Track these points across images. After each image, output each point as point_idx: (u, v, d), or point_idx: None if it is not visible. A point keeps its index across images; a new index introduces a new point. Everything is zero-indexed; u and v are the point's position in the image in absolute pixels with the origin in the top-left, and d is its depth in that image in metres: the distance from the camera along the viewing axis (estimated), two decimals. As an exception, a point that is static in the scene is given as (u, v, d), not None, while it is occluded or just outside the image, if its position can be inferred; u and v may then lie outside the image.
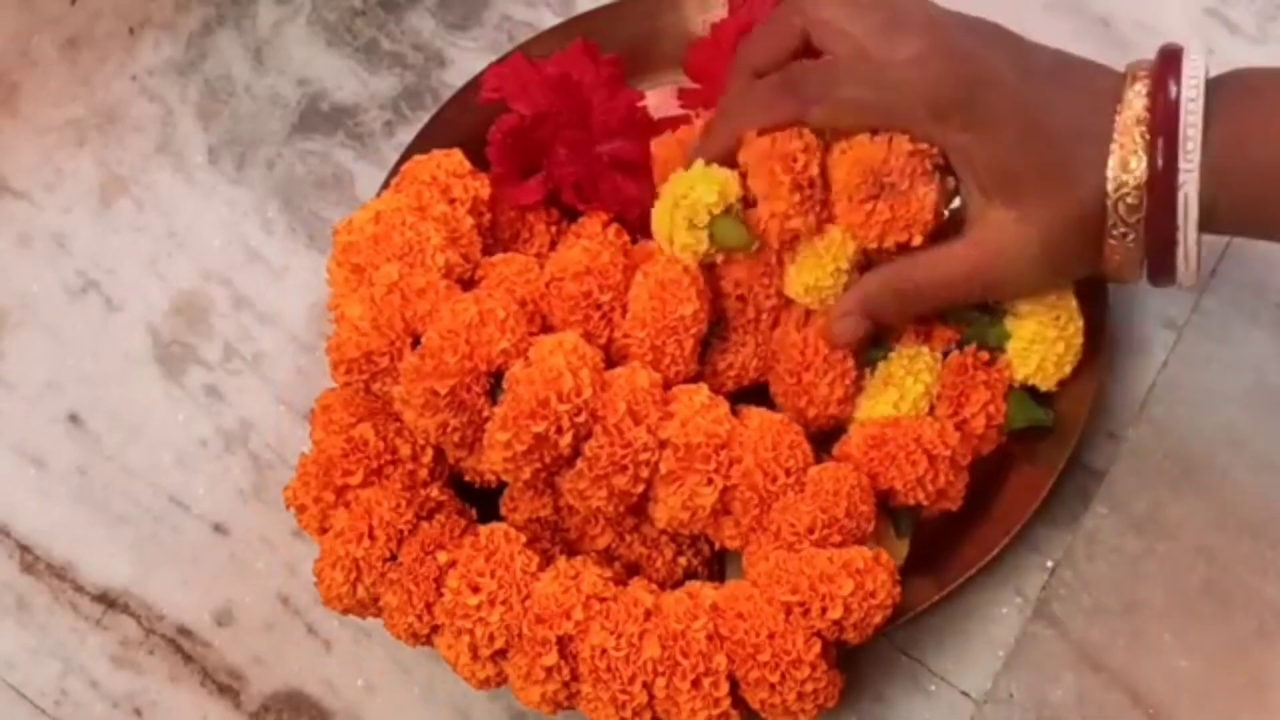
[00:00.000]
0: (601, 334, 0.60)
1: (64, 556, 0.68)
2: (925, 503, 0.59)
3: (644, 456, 0.56)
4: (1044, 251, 0.56)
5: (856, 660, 0.60)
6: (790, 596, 0.55)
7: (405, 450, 0.59)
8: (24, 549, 0.68)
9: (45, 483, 0.69)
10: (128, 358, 0.71)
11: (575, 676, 0.56)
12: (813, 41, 0.59)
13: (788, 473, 0.57)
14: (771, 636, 0.54)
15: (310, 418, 0.61)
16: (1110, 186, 0.54)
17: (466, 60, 0.75)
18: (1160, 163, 0.53)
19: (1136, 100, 0.54)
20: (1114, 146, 0.54)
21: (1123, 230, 0.55)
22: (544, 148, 0.65)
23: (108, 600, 0.67)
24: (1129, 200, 0.54)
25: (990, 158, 0.56)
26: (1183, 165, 0.53)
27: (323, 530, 0.59)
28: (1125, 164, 0.54)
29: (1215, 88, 0.54)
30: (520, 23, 0.76)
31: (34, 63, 0.78)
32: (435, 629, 0.58)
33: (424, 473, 0.59)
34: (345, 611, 0.59)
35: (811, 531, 0.56)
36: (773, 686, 0.55)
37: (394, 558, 0.58)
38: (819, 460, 0.59)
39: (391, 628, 0.58)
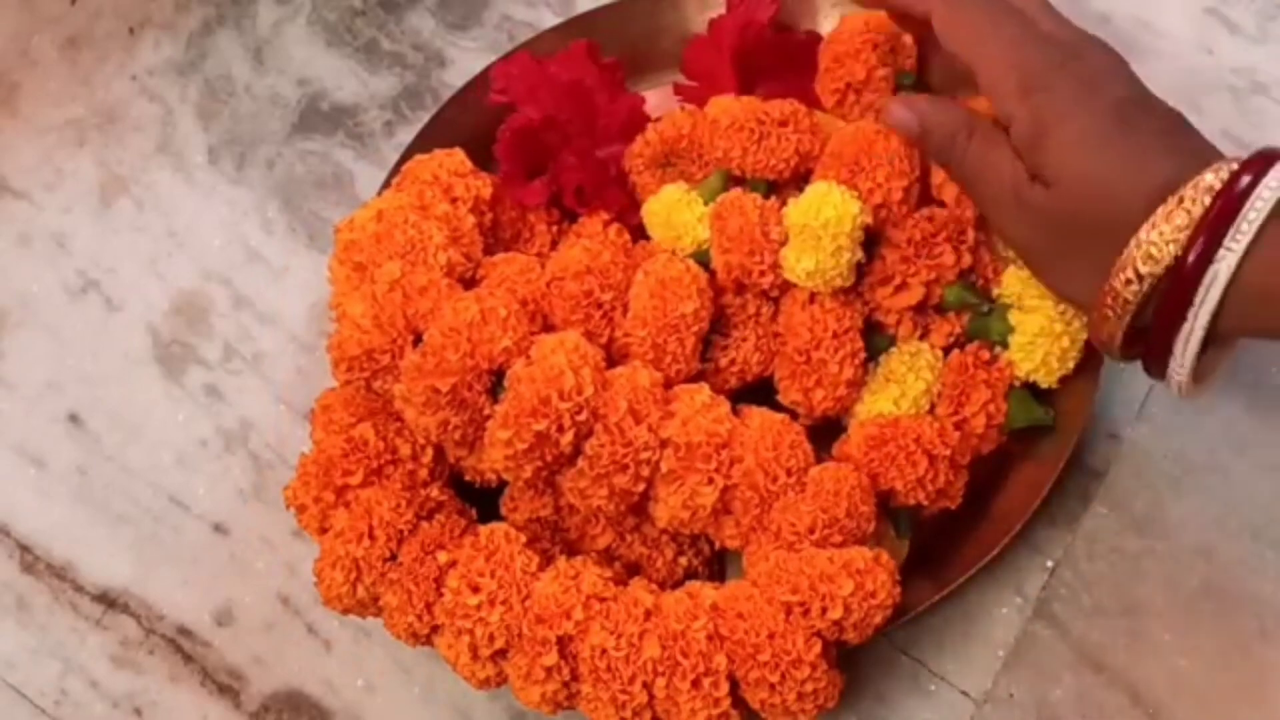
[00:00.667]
0: (602, 333, 0.60)
1: (64, 556, 0.68)
2: (925, 503, 0.59)
3: (645, 455, 0.56)
4: (1050, 248, 0.55)
5: (856, 660, 0.61)
6: (790, 596, 0.55)
7: (405, 450, 0.59)
8: (24, 549, 0.68)
9: (45, 482, 0.69)
10: (128, 358, 0.71)
11: (575, 676, 0.56)
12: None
13: (788, 472, 0.57)
14: (771, 636, 0.54)
15: (310, 417, 0.61)
16: (1143, 232, 0.51)
17: (466, 60, 0.75)
18: (1194, 255, 0.50)
19: (1209, 182, 0.50)
20: (1159, 212, 0.51)
21: (1127, 278, 0.52)
22: (550, 150, 0.66)
23: (108, 600, 0.67)
24: (1152, 252, 0.51)
25: (1042, 136, 0.54)
26: (1217, 258, 0.50)
27: (323, 530, 0.59)
28: (1149, 255, 0.51)
29: None
30: (520, 22, 0.76)
31: (34, 63, 0.78)
32: (435, 629, 0.58)
33: (424, 472, 0.59)
34: (345, 611, 0.59)
35: (812, 531, 0.56)
36: (773, 686, 0.55)
37: (394, 558, 0.58)
38: (819, 460, 0.59)
39: (391, 628, 0.58)
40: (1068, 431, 0.62)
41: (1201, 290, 0.50)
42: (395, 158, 0.70)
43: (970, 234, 0.62)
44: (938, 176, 0.62)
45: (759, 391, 0.63)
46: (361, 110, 0.75)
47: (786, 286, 0.62)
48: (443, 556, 0.57)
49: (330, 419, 0.60)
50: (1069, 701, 0.61)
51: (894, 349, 0.62)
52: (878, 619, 0.56)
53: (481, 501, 0.61)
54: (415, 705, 0.64)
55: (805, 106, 0.64)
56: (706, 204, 0.63)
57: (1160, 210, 0.51)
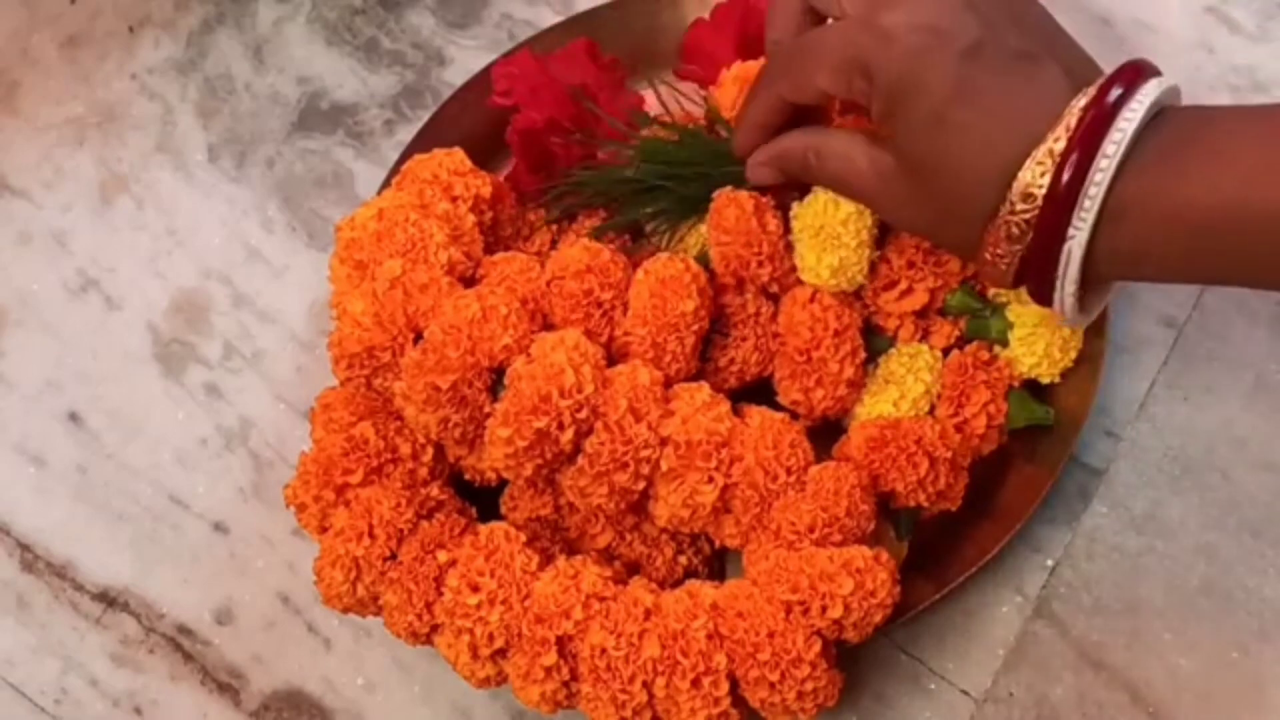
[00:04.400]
0: (602, 332, 0.60)
1: (64, 555, 0.68)
2: (926, 505, 0.59)
3: (645, 454, 0.56)
4: (927, 226, 0.55)
5: (856, 659, 0.61)
6: (790, 595, 0.55)
7: (405, 449, 0.59)
8: (24, 547, 0.68)
9: (45, 481, 0.69)
10: (127, 356, 0.71)
11: (575, 676, 0.56)
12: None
13: (788, 471, 0.57)
14: (771, 635, 0.54)
15: (310, 416, 0.61)
16: (1004, 208, 0.50)
17: (466, 59, 0.75)
18: (1066, 176, 0.48)
19: (1072, 115, 0.48)
20: (1026, 166, 0.49)
21: (998, 252, 0.51)
22: (553, 151, 0.66)
23: (108, 599, 0.67)
24: (1014, 232, 0.50)
25: (901, 133, 0.52)
26: (1076, 215, 0.48)
27: (323, 529, 0.59)
28: (1027, 193, 0.49)
29: (1153, 127, 0.48)
30: (520, 21, 0.76)
31: (34, 61, 0.78)
32: (435, 628, 0.58)
33: (424, 471, 0.59)
34: (345, 610, 0.59)
35: (812, 530, 0.56)
36: (773, 685, 0.55)
37: (394, 556, 0.58)
38: (820, 460, 0.59)
39: (391, 626, 0.58)
40: (1067, 431, 0.62)
41: (1065, 251, 0.49)
42: (395, 156, 0.70)
43: None
44: None
45: (759, 391, 0.63)
46: (361, 109, 0.75)
47: (785, 283, 0.62)
48: (442, 556, 0.57)
49: (330, 417, 0.60)
50: (1069, 700, 0.61)
51: (893, 350, 0.62)
52: (878, 618, 0.56)
53: (481, 501, 0.61)
54: (415, 704, 0.64)
55: None
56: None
57: (1015, 181, 0.49)
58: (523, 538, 0.58)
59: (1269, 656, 0.61)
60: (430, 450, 0.59)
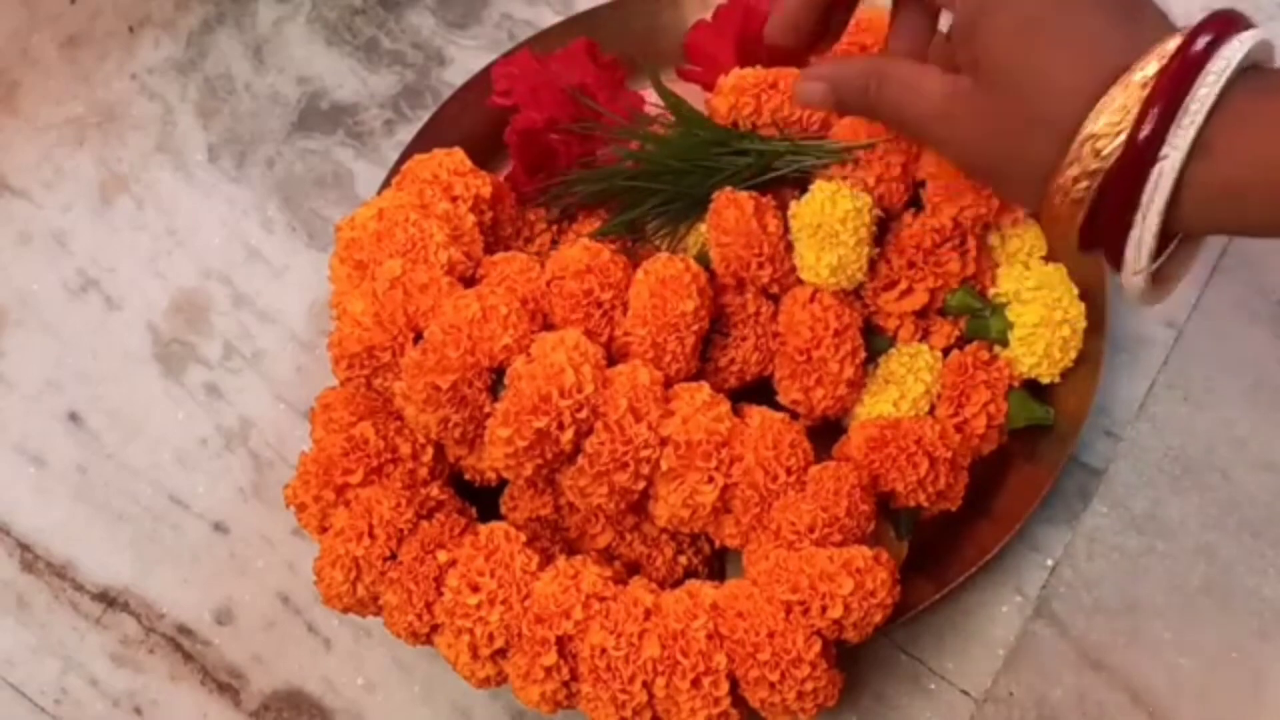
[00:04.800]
0: (602, 332, 0.60)
1: (64, 555, 0.68)
2: (926, 504, 0.59)
3: (645, 453, 0.56)
4: (995, 153, 0.50)
5: (856, 659, 0.61)
6: (790, 595, 0.55)
7: (405, 449, 0.59)
8: (24, 547, 0.68)
9: (45, 481, 0.69)
10: (127, 356, 0.71)
11: (575, 676, 0.56)
12: None
13: (788, 471, 0.57)
14: (771, 635, 0.54)
15: (310, 416, 0.61)
16: (1089, 120, 0.46)
17: (466, 59, 0.75)
18: (1148, 129, 0.45)
19: (1164, 48, 0.45)
20: (1104, 98, 0.46)
21: (1075, 175, 0.47)
22: (553, 150, 0.66)
23: (108, 599, 0.67)
24: (1099, 146, 0.46)
25: (988, 39, 0.49)
26: (1171, 138, 0.45)
27: (323, 529, 0.59)
28: (1122, 105, 0.45)
29: (1247, 73, 0.45)
30: (520, 21, 0.76)
31: (34, 61, 0.78)
32: (435, 628, 0.58)
33: (424, 471, 0.59)
34: (345, 610, 0.59)
35: (812, 530, 0.56)
36: (772, 685, 0.55)
37: (394, 556, 0.58)
38: (820, 460, 0.59)
39: (391, 626, 0.58)
40: (1067, 431, 0.62)
41: (1154, 174, 0.45)
42: (395, 156, 0.70)
43: (972, 241, 0.62)
44: (925, 163, 0.62)
45: (759, 391, 0.63)
46: (361, 109, 0.75)
47: (785, 284, 0.62)
48: (442, 556, 0.57)
49: (330, 418, 0.60)
50: (1069, 700, 0.61)
51: (893, 350, 0.62)
52: (878, 618, 0.56)
53: (481, 501, 0.61)
54: (415, 704, 0.64)
55: None
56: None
57: (1105, 97, 0.46)
58: (523, 538, 0.58)
59: (1269, 656, 0.61)
60: (430, 450, 0.60)
